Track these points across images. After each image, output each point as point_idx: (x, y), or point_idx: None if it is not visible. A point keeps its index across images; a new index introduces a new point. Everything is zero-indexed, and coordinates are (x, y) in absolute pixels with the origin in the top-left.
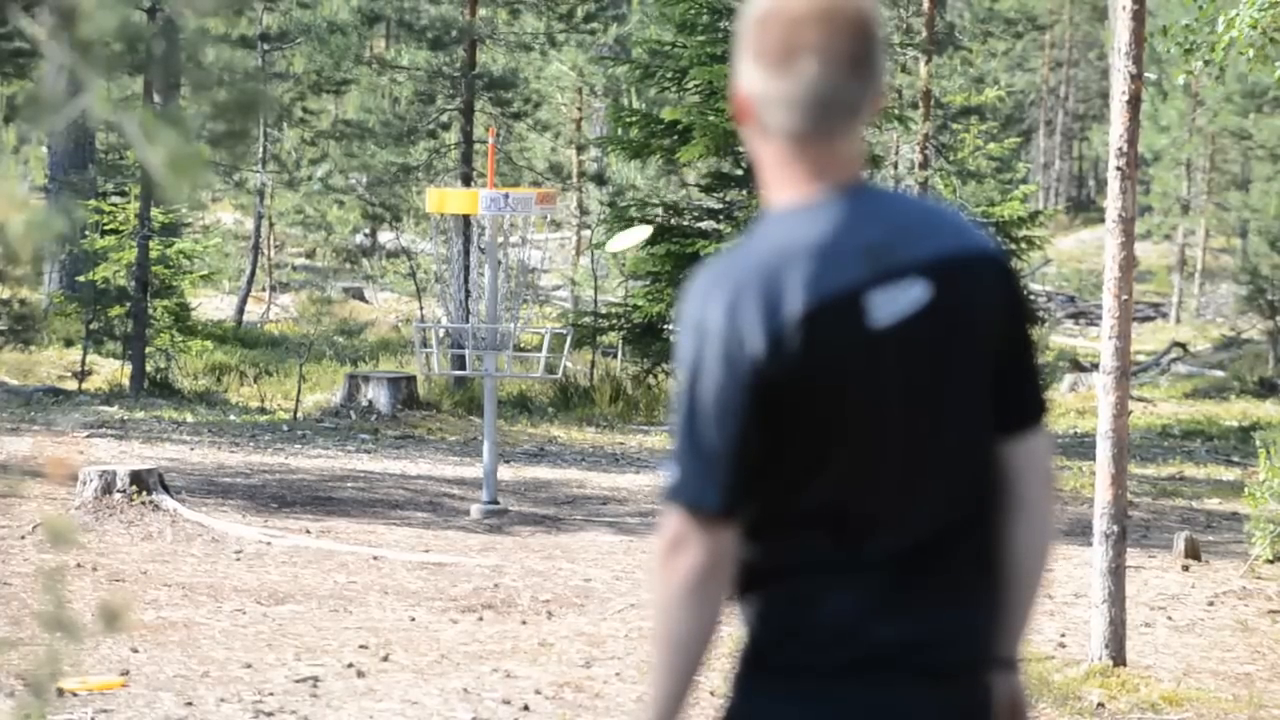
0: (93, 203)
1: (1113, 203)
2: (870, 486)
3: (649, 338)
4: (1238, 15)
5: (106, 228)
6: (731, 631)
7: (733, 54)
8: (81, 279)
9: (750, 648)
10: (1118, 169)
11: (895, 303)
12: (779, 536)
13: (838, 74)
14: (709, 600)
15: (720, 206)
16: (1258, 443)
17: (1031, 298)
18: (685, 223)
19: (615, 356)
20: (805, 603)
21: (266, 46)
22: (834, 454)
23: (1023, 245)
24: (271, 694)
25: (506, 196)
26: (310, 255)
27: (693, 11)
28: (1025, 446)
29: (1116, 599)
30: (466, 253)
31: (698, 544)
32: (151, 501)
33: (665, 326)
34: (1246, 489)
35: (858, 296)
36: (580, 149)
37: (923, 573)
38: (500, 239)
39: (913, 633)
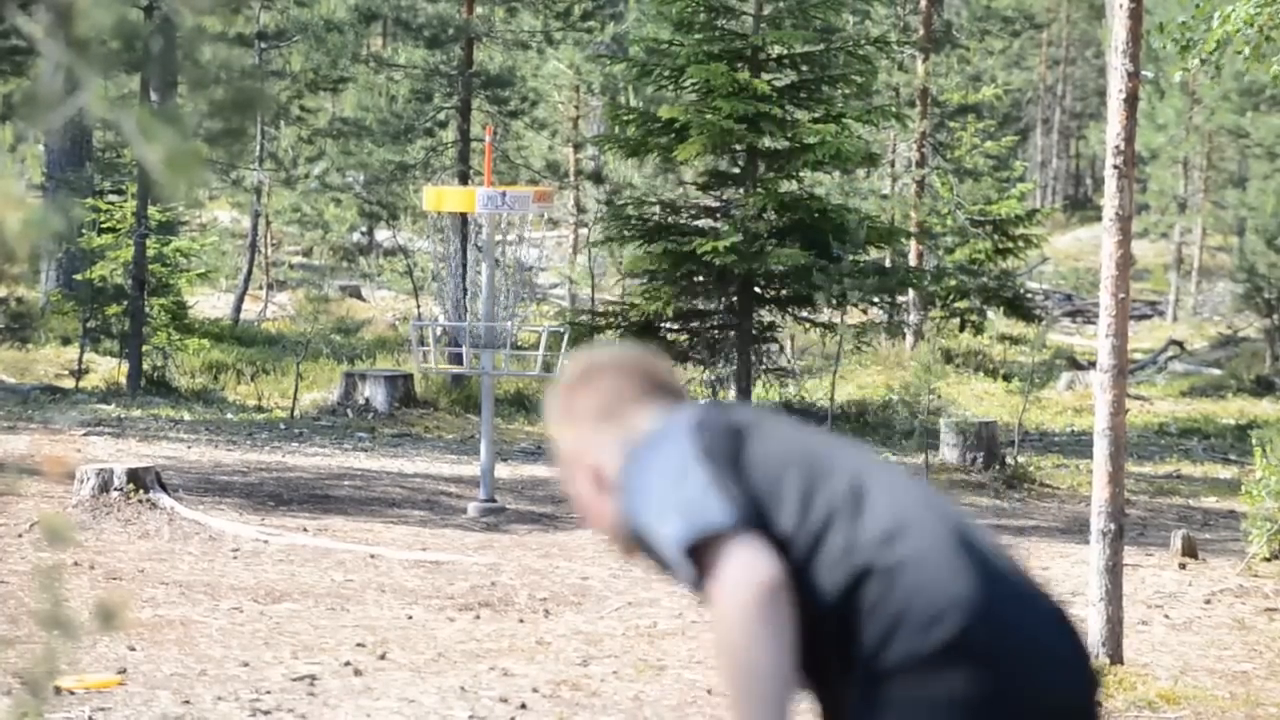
0: (90, 201)
1: (1110, 201)
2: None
3: (646, 336)
4: (1233, 11)
5: (103, 226)
6: None
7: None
8: (79, 277)
9: None
10: (1115, 167)
11: None
12: None
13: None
14: (779, 616)
15: (718, 205)
16: (1254, 441)
17: (1029, 295)
18: (682, 221)
19: None
20: None
21: (264, 44)
22: None
23: (1020, 243)
24: (269, 692)
25: (504, 195)
26: (307, 253)
27: (689, 10)
28: None
29: (1113, 597)
30: (464, 251)
31: (746, 560)
32: (148, 500)
33: (662, 325)
34: (1243, 487)
35: None
36: (577, 147)
37: None
38: (497, 237)
39: None
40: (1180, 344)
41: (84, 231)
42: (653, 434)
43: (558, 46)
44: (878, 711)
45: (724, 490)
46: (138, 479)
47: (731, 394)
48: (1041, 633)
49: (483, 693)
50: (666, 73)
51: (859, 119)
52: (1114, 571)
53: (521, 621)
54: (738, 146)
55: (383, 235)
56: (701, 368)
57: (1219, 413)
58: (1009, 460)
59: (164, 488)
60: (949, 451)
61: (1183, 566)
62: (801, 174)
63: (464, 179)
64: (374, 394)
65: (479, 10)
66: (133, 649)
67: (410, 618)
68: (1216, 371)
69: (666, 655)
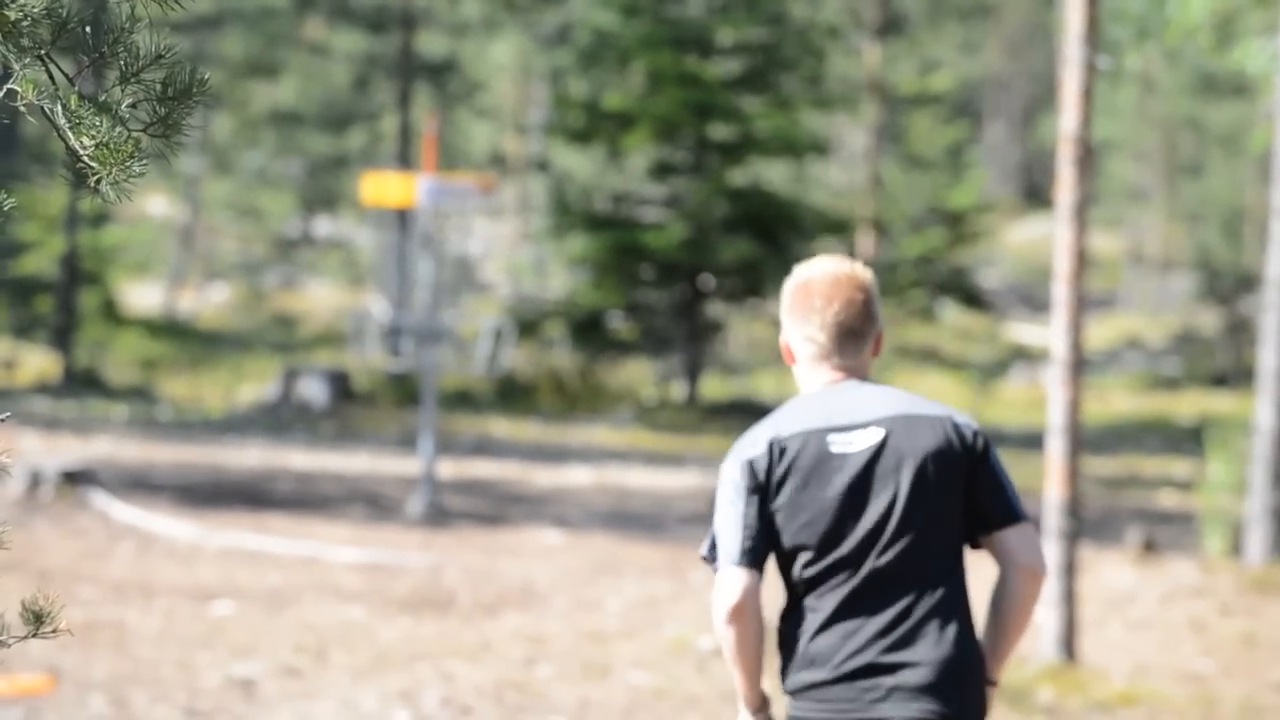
0: (20, 191)
1: (1064, 192)
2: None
3: (591, 330)
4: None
5: (34, 217)
6: None
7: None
8: (9, 269)
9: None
10: (1069, 158)
11: (851, 440)
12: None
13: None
14: (740, 624)
15: (666, 196)
16: (1209, 437)
17: (984, 289)
18: (630, 213)
19: (553, 347)
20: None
21: (201, 30)
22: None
23: (974, 234)
24: (205, 694)
25: (446, 185)
26: (245, 244)
27: None
28: (1001, 537)
29: (1069, 597)
30: (405, 241)
31: (723, 586)
32: (81, 498)
33: (607, 318)
34: (1199, 484)
35: (823, 434)
36: (521, 131)
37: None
38: (439, 222)
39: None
40: (1136, 338)
41: (14, 221)
42: (751, 438)
43: (503, 33)
44: None
45: (741, 533)
46: (70, 476)
47: (680, 387)
48: None
49: (424, 695)
50: (612, 60)
51: (810, 105)
52: (1070, 572)
53: (465, 622)
54: (687, 135)
55: (323, 226)
56: (649, 360)
57: (1175, 407)
58: None
59: (97, 485)
60: None
61: (1139, 564)
62: (751, 163)
63: (405, 165)
64: (313, 390)
65: None
66: (65, 650)
67: (350, 619)
68: (1173, 365)
69: (612, 657)
